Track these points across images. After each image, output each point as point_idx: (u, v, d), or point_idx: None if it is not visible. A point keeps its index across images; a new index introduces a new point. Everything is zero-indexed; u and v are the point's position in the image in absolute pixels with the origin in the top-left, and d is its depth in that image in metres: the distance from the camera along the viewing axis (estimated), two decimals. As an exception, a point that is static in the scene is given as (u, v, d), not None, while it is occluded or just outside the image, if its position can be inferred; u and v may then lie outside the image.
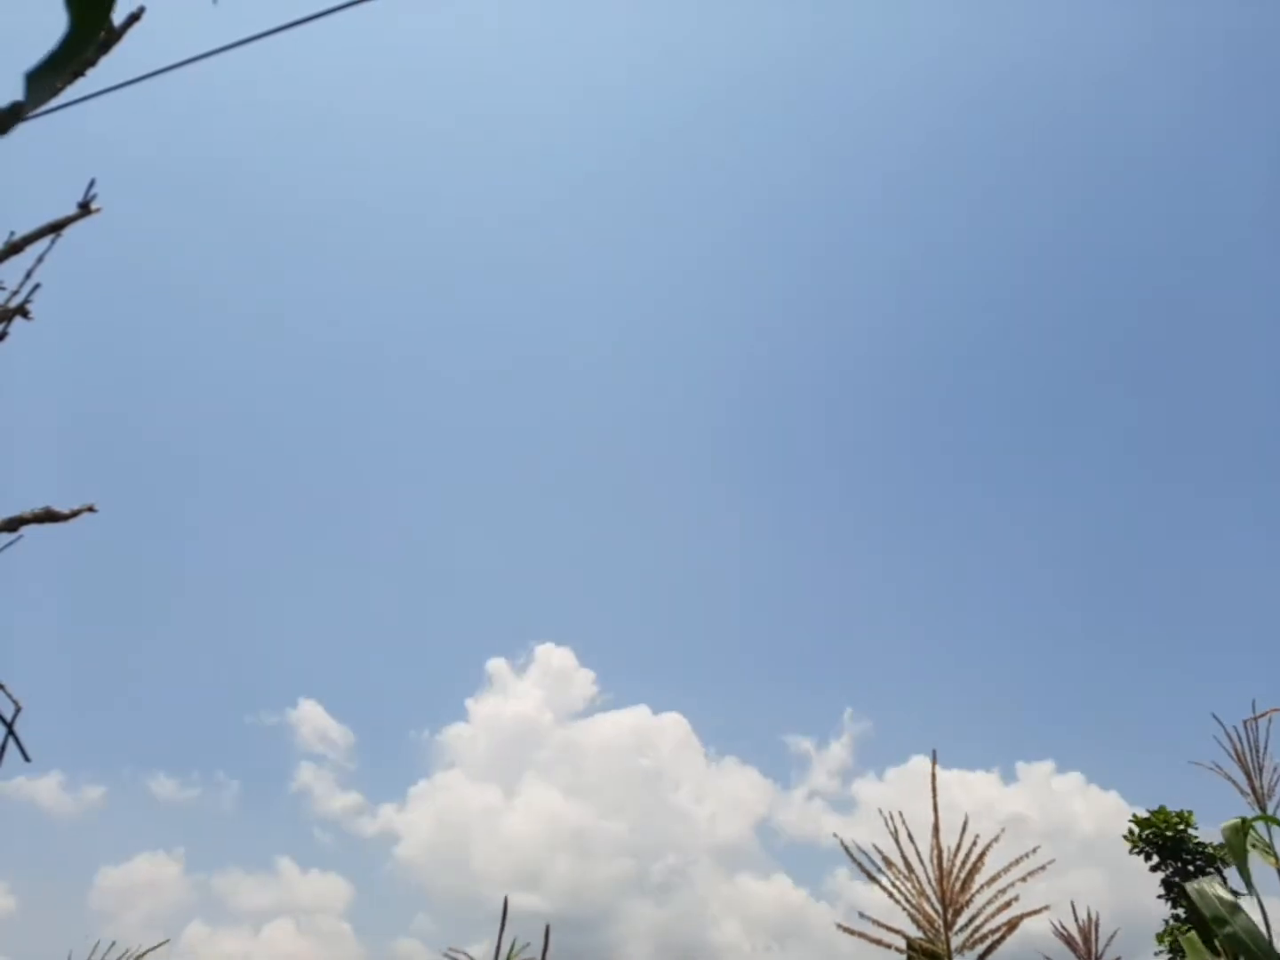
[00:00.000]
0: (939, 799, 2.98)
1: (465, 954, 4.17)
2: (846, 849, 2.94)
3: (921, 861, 2.95)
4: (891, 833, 2.94)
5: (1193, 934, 5.09)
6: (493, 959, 4.11)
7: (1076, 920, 4.76)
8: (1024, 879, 2.83)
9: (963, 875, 2.89)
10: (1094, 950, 4.72)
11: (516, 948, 4.22)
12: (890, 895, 2.93)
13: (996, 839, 2.90)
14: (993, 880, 2.87)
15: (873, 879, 2.93)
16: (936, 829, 2.92)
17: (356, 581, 56.98)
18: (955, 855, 2.91)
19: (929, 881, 2.93)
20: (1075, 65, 52.09)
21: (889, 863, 2.96)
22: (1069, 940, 4.73)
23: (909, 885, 2.94)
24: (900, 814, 2.91)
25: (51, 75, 1.06)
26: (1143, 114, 51.63)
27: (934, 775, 2.89)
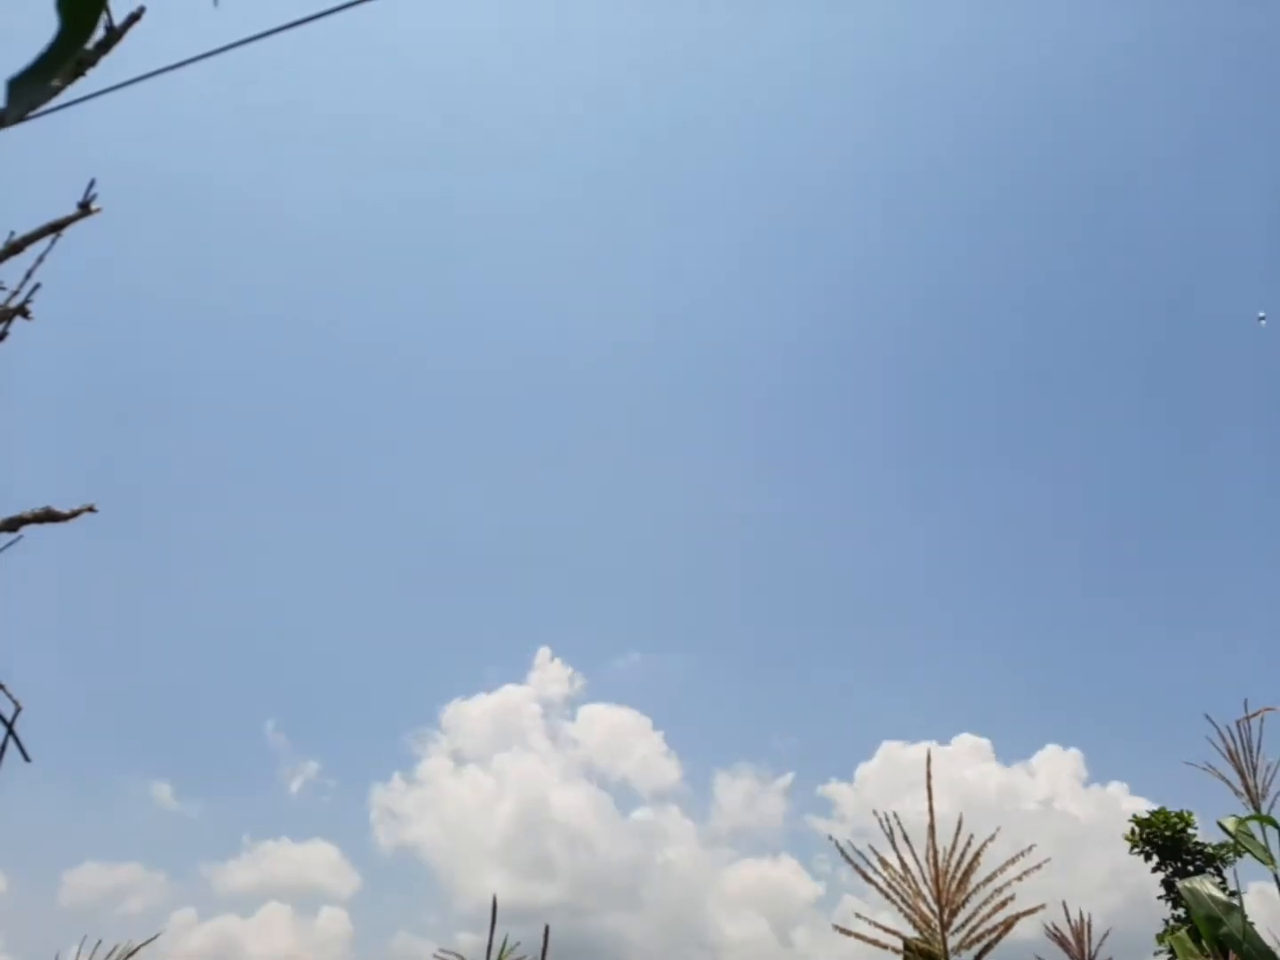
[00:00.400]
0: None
1: (455, 955, 4.18)
2: (843, 851, 2.94)
3: (918, 861, 2.95)
4: (887, 834, 2.93)
5: (1183, 933, 5.10)
6: (484, 958, 4.12)
7: (1069, 921, 4.77)
8: (1020, 878, 2.83)
9: (958, 875, 2.88)
10: (1086, 950, 4.73)
11: (508, 945, 4.23)
12: (887, 896, 2.93)
13: (992, 838, 2.90)
14: (989, 880, 2.87)
15: (869, 880, 2.93)
16: (932, 829, 2.92)
17: (350, 579, 56.96)
18: (951, 855, 2.91)
19: (925, 881, 2.92)
20: (1079, 64, 52.11)
21: (885, 863, 2.95)
22: (1062, 941, 4.74)
23: (905, 886, 2.93)
24: (895, 815, 2.91)
25: (35, 83, 1.04)
26: (1152, 102, 51.60)
27: (929, 777, 2.89)
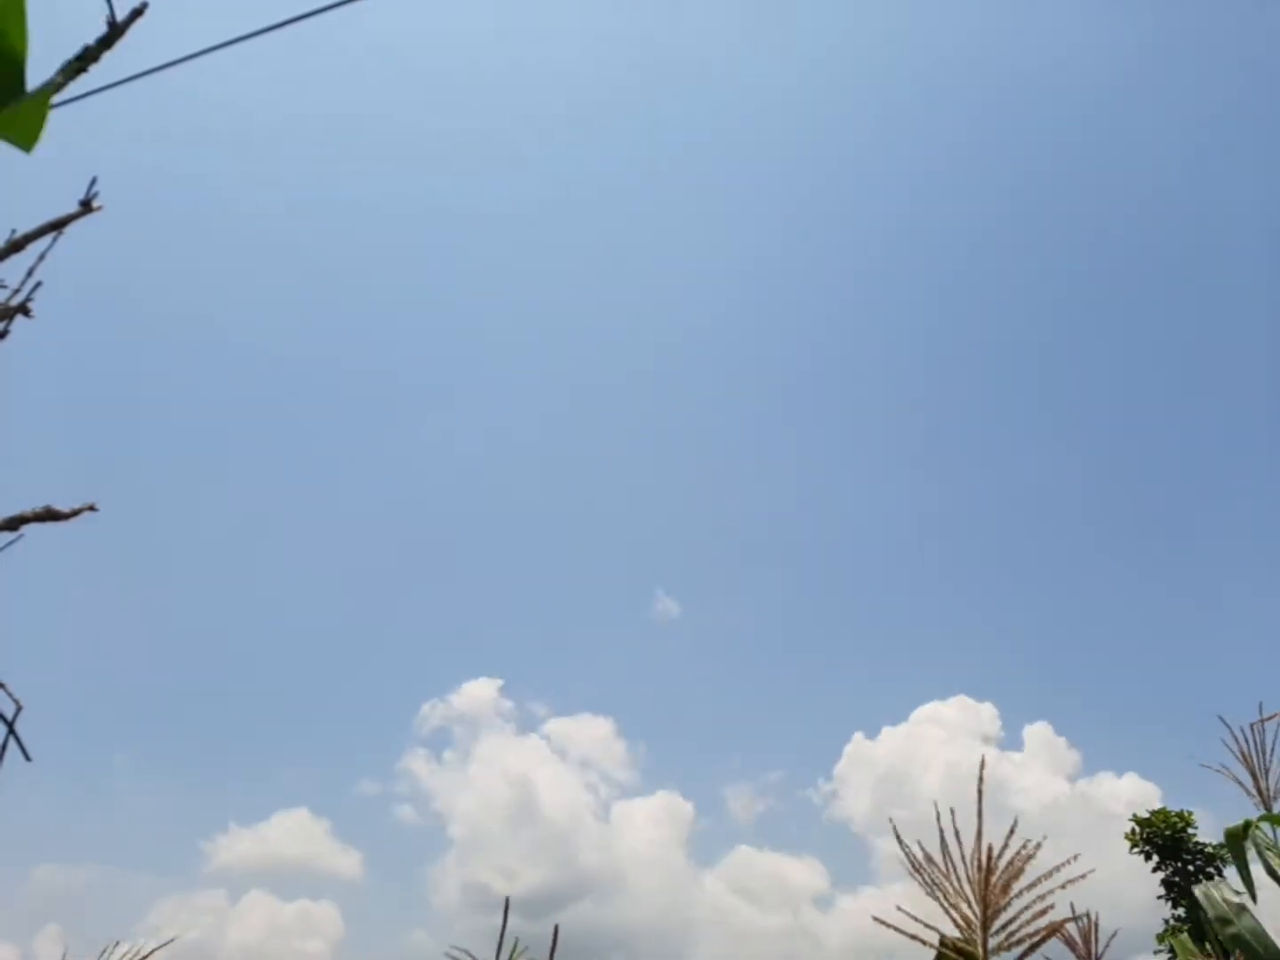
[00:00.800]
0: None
1: (468, 953, 4.18)
2: (902, 843, 2.95)
3: (964, 861, 2.97)
4: (939, 830, 2.95)
5: (1184, 935, 5.11)
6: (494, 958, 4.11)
7: (1076, 921, 4.75)
8: (1064, 886, 2.83)
9: (1004, 880, 2.90)
10: (1093, 951, 4.72)
11: (518, 948, 4.22)
12: (929, 894, 2.95)
13: (1039, 845, 2.91)
14: (1033, 886, 2.87)
15: (913, 875, 2.95)
16: (980, 834, 2.93)
17: (348, 573, 57.05)
18: (999, 859, 2.93)
19: (969, 882, 2.94)
20: (1083, 69, 52.12)
21: (930, 859, 2.97)
22: (1069, 941, 4.73)
23: (948, 885, 2.95)
24: (951, 811, 2.93)
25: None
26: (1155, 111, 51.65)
27: (981, 779, 2.91)
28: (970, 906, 2.94)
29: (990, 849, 2.97)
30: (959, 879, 2.98)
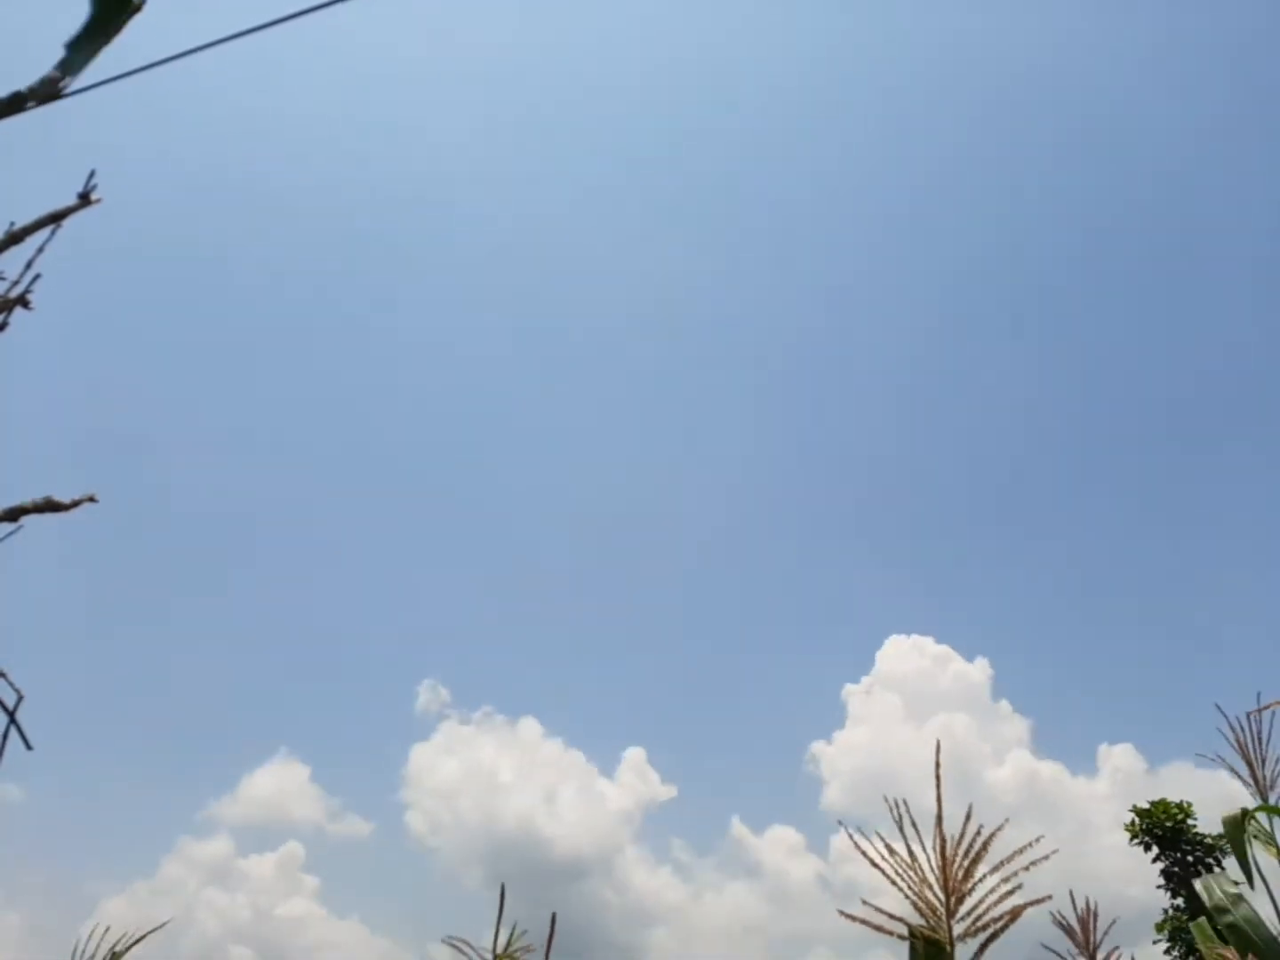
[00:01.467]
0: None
1: (465, 942, 4.20)
2: (852, 838, 2.94)
3: (924, 848, 2.95)
4: (896, 820, 2.94)
5: (1203, 920, 5.13)
6: (492, 946, 4.13)
7: (1075, 909, 4.77)
8: (1027, 868, 2.83)
9: (965, 864, 2.89)
10: (1092, 939, 4.74)
11: (516, 933, 4.24)
12: (894, 883, 2.93)
13: (1001, 828, 2.90)
14: (996, 869, 2.87)
15: (876, 866, 2.94)
16: (940, 818, 2.92)
17: (347, 569, 57.12)
18: (959, 844, 2.91)
19: (932, 869, 2.93)
20: (1086, 68, 51.98)
21: (891, 850, 2.96)
22: (1068, 930, 4.74)
23: (912, 873, 2.94)
24: (905, 802, 2.92)
25: (93, 42, 1.08)
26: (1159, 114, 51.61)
27: (938, 765, 2.89)
28: (934, 893, 2.94)
29: (945, 835, 2.96)
30: (922, 868, 2.97)
